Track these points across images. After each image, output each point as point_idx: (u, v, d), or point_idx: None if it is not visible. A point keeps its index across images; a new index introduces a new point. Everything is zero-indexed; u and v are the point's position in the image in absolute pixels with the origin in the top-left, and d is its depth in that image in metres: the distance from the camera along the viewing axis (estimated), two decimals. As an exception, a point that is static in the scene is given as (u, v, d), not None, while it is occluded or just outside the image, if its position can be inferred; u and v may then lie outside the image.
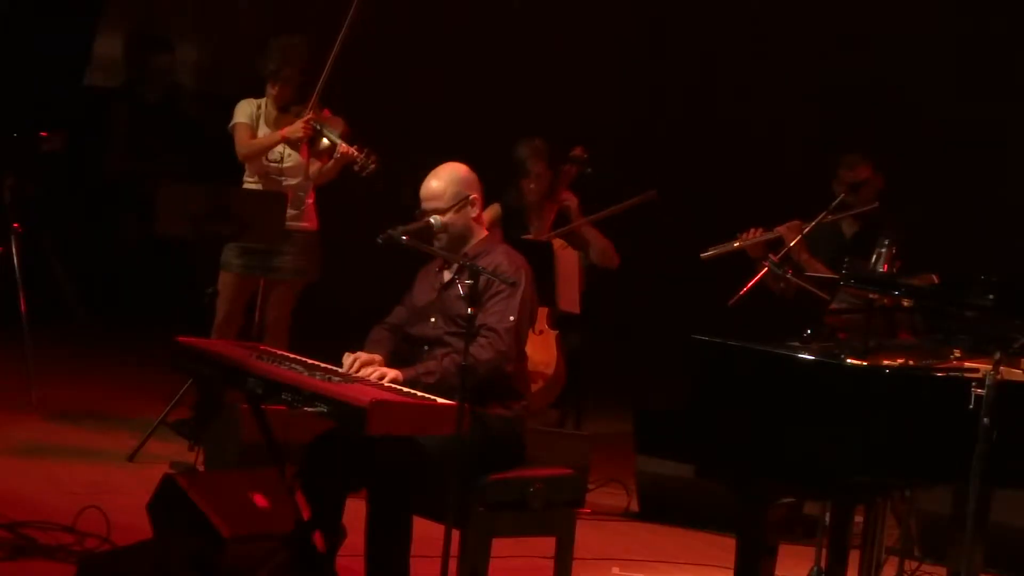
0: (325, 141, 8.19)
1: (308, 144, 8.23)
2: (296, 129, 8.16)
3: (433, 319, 5.90)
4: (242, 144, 8.27)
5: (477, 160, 6.09)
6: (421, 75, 12.05)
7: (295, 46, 8.31)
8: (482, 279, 5.66)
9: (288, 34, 8.41)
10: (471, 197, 5.89)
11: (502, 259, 5.86)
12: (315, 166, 8.31)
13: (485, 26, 12.08)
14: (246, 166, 8.34)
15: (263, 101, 8.33)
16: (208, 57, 12.75)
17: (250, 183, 8.32)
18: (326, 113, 8.25)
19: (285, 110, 8.29)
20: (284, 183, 8.26)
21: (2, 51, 11.29)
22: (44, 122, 9.48)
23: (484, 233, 5.97)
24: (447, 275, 5.91)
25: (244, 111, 8.31)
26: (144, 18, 12.60)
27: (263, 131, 8.29)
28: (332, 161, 8.20)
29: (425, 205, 5.87)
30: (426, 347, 5.89)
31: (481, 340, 5.72)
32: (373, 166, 8.12)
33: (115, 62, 12.44)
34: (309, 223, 8.36)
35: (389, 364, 5.80)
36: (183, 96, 12.49)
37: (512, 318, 5.75)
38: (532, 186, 8.38)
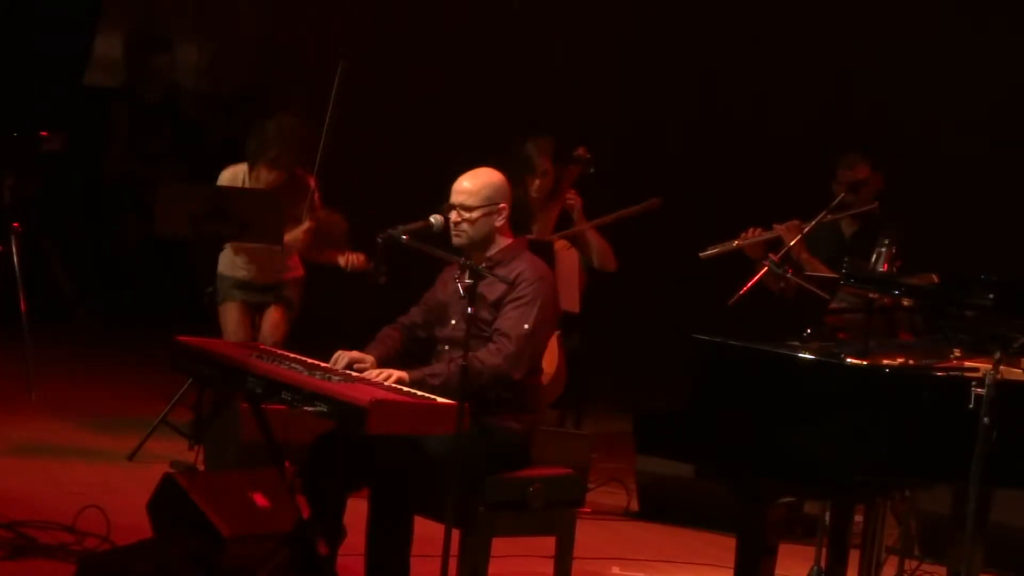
0: (326, 241, 8.09)
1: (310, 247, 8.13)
2: (297, 240, 8.01)
3: (454, 321, 5.88)
4: None
5: (479, 160, 6.09)
6: (421, 75, 12.04)
7: (295, 127, 8.11)
8: (493, 282, 5.68)
9: (282, 114, 8.23)
10: (500, 206, 5.87)
11: (525, 267, 5.84)
12: (299, 240, 8.15)
13: (485, 26, 12.08)
14: None
15: (244, 172, 8.13)
16: (208, 57, 12.74)
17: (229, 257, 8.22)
18: (317, 197, 8.10)
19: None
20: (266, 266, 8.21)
21: (2, 51, 11.29)
22: (44, 122, 9.48)
23: (509, 240, 5.95)
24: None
25: (231, 184, 8.10)
26: (144, 18, 12.60)
27: None
28: (325, 256, 8.11)
29: (454, 198, 5.86)
30: (446, 347, 5.87)
31: (491, 345, 5.72)
32: (384, 279, 7.98)
33: (115, 62, 12.43)
34: (296, 272, 8.28)
35: (391, 364, 5.80)
36: (183, 96, 12.49)
37: (527, 326, 5.74)
38: (537, 183, 8.33)
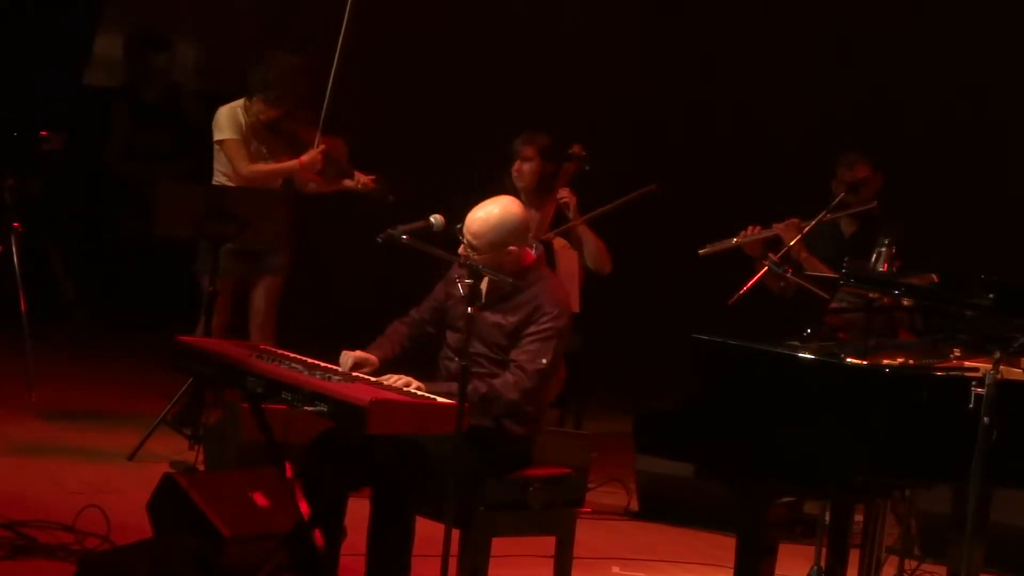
0: (333, 169, 8.16)
1: (320, 174, 8.18)
2: (316, 161, 8.08)
3: (465, 319, 5.80)
4: (245, 166, 8.14)
5: (480, 159, 6.07)
6: (422, 74, 12.04)
7: (299, 70, 8.15)
8: (526, 310, 5.70)
9: (288, 53, 8.29)
10: (508, 249, 5.74)
11: (546, 299, 5.76)
12: (311, 185, 8.29)
13: (486, 24, 12.07)
14: (225, 171, 8.26)
15: (241, 109, 8.20)
16: (208, 57, 12.74)
17: (226, 182, 8.26)
18: (315, 134, 8.18)
19: (272, 129, 8.20)
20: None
21: (2, 51, 11.28)
22: (44, 122, 9.48)
23: (529, 260, 5.85)
24: (483, 286, 5.70)
25: (231, 124, 8.16)
26: (144, 18, 12.59)
27: (251, 144, 8.20)
28: (338, 186, 8.18)
29: (465, 232, 5.75)
30: (455, 359, 5.81)
31: (509, 377, 5.69)
32: (392, 198, 8.08)
33: (115, 62, 12.44)
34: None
35: (395, 365, 5.78)
36: (183, 96, 12.48)
37: (544, 361, 5.71)
38: (516, 166, 8.21)
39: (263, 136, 8.20)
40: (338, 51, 8.12)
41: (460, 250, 5.78)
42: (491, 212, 5.78)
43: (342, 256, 11.32)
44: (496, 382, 5.67)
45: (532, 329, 5.74)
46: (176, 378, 8.16)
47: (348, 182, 8.19)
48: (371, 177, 8.16)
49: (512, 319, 5.76)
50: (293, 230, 8.33)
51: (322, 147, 8.11)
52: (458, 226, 5.79)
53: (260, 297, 8.31)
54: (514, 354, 5.74)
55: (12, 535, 6.22)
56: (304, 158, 8.10)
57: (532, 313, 5.75)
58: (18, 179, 8.94)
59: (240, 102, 8.23)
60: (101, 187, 12.05)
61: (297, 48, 8.44)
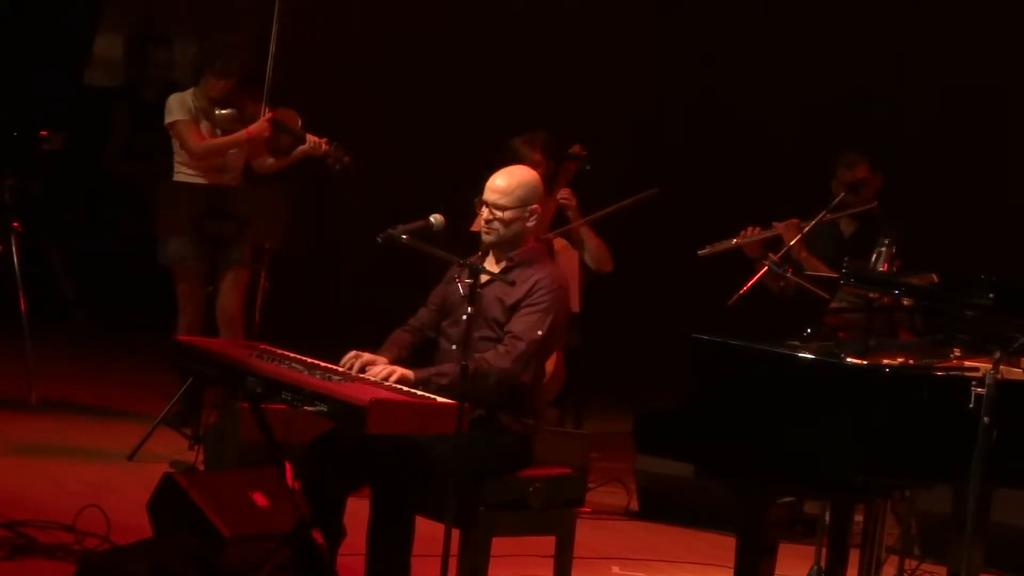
0: (286, 138, 8.26)
1: (270, 141, 8.27)
2: (263, 128, 8.18)
3: (465, 317, 5.83)
4: (196, 142, 8.23)
5: (480, 161, 6.07)
6: (421, 74, 12.04)
7: (242, 43, 8.33)
8: (526, 286, 5.71)
9: (232, 31, 8.45)
10: (532, 207, 5.84)
11: (544, 275, 5.81)
12: (269, 161, 8.38)
13: (485, 23, 12.07)
14: (182, 159, 8.31)
15: (191, 95, 8.32)
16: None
17: (187, 175, 8.28)
18: (260, 107, 8.26)
19: (222, 106, 8.29)
20: (224, 177, 8.27)
21: (2, 51, 11.29)
22: (44, 122, 9.48)
23: (533, 243, 5.95)
24: (483, 276, 5.79)
25: (181, 107, 8.27)
26: (144, 18, 12.60)
27: (202, 126, 8.29)
28: (294, 155, 8.28)
29: (487, 196, 5.84)
30: (454, 346, 5.83)
31: (500, 347, 5.70)
32: (347, 159, 8.17)
33: (115, 62, 12.45)
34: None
35: (402, 366, 5.78)
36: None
37: (540, 332, 5.72)
38: None
39: (215, 119, 8.25)
40: (275, 22, 8.21)
41: (485, 215, 5.82)
42: (511, 172, 5.90)
43: (344, 256, 11.33)
44: (487, 355, 5.66)
45: (529, 301, 5.77)
46: (176, 378, 8.17)
47: (303, 147, 8.29)
48: (324, 140, 8.24)
49: (514, 295, 5.77)
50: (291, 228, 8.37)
51: (268, 115, 8.20)
52: (477, 199, 5.84)
53: (228, 291, 8.28)
54: (509, 326, 5.75)
55: (12, 535, 6.21)
56: (251, 128, 8.20)
57: (532, 288, 5.78)
58: (18, 179, 8.95)
59: (190, 90, 8.35)
60: (101, 187, 12.05)
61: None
